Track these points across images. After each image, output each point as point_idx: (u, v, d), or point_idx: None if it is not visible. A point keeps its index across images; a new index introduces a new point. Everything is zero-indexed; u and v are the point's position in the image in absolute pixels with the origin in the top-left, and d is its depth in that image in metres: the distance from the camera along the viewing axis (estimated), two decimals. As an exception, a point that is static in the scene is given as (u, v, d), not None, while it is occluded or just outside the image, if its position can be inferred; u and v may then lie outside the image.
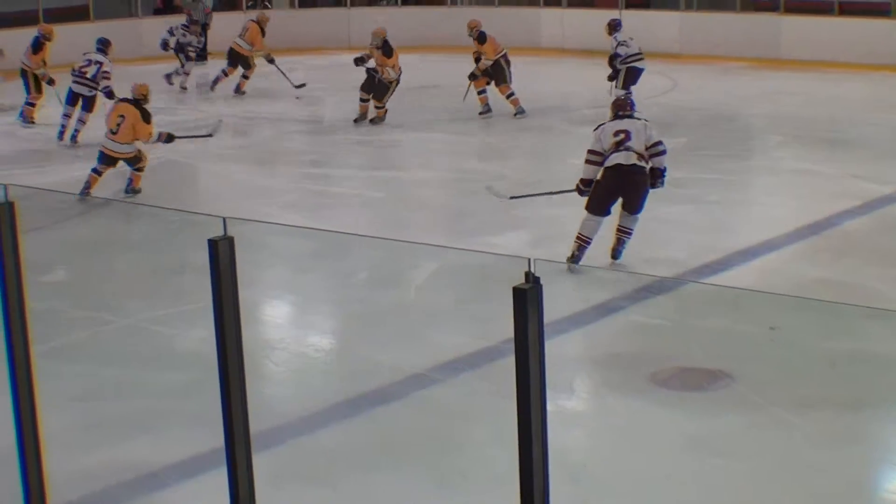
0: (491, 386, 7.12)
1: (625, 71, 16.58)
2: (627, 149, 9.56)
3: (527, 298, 3.66)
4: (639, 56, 16.73)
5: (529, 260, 3.72)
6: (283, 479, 6.16)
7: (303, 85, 19.18)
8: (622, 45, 16.70)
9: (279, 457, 6.50)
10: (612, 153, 9.59)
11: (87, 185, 12.37)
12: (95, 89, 15.31)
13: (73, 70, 15.53)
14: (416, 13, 24.37)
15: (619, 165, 9.56)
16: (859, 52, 20.64)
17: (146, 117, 12.44)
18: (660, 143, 9.71)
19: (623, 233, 9.77)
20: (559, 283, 8.38)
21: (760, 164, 14.27)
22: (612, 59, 16.82)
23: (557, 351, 7.73)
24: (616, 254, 9.77)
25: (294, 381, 7.95)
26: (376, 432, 6.94)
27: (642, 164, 9.64)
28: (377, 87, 16.31)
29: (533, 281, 3.69)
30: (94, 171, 12.45)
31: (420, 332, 8.51)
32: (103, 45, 15.77)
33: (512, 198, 11.26)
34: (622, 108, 9.99)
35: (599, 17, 23.69)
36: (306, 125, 17.55)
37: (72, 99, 15.42)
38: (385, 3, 27.11)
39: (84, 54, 15.70)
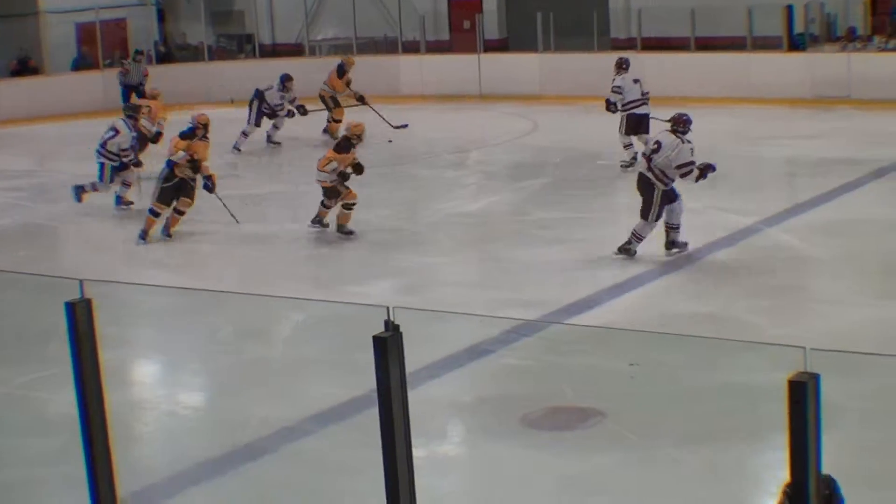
0: (362, 436, 7.05)
1: (625, 118, 15.97)
2: None
3: (387, 346, 3.64)
4: (639, 101, 15.95)
5: (388, 308, 3.70)
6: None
7: (404, 126, 18.99)
8: (615, 90, 15.95)
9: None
10: None
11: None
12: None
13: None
14: (276, 65, 24.28)
15: None
16: (719, 85, 21.06)
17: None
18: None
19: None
20: (428, 329, 8.35)
21: (626, 201, 14.40)
22: (608, 104, 16.05)
23: (428, 396, 7.74)
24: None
25: (164, 441, 7.83)
26: (249, 488, 6.85)
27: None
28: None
29: (392, 329, 3.67)
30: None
31: (288, 384, 8.43)
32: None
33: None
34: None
35: (457, 62, 23.92)
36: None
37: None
38: (243, 56, 27.07)
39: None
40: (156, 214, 12.92)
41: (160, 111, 16.69)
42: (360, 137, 12.80)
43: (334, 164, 12.61)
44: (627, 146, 15.89)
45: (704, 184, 14.48)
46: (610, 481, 6.59)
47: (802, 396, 3.71)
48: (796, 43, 23.21)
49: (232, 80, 23.62)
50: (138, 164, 14.76)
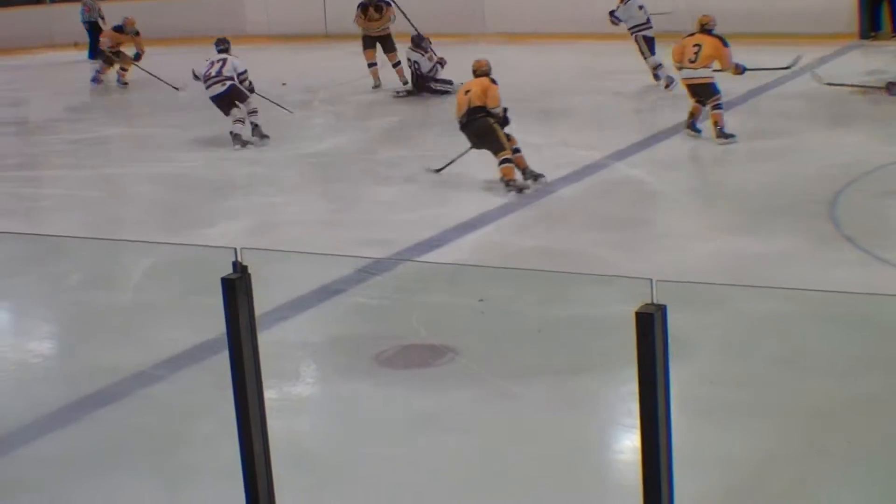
0: (214, 378, 7.00)
1: (641, 40, 16.52)
2: None
3: (235, 288, 3.61)
4: (646, 25, 16.52)
5: (236, 249, 3.67)
6: (7, 493, 5.93)
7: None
8: (614, 21, 16.74)
9: (2, 469, 6.27)
10: None
11: None
12: None
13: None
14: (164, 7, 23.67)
15: None
16: (563, 21, 21.15)
17: None
18: None
19: None
20: (277, 270, 8.30)
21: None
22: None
23: (280, 338, 7.71)
24: None
25: (13, 390, 7.67)
26: (101, 435, 6.76)
27: None
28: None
29: (240, 270, 3.64)
30: None
31: (138, 330, 8.32)
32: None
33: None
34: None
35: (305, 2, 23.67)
36: (11, 127, 16.98)
37: None
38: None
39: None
40: None
41: None
42: None
43: None
44: (658, 66, 16.23)
45: (550, 121, 14.67)
46: (463, 417, 6.64)
47: (650, 328, 3.77)
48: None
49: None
50: None
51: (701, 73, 13.09)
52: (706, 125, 13.09)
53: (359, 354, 7.47)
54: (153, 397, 7.19)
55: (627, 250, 9.50)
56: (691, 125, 13.22)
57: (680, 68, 13.37)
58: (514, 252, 9.54)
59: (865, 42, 20.04)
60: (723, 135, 12.89)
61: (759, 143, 13.13)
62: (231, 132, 13.75)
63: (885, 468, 5.81)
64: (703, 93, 13.06)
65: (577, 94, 16.58)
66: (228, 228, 10.75)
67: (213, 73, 13.97)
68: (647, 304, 3.76)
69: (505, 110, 11.72)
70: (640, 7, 16.63)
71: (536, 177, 11.50)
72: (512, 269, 8.53)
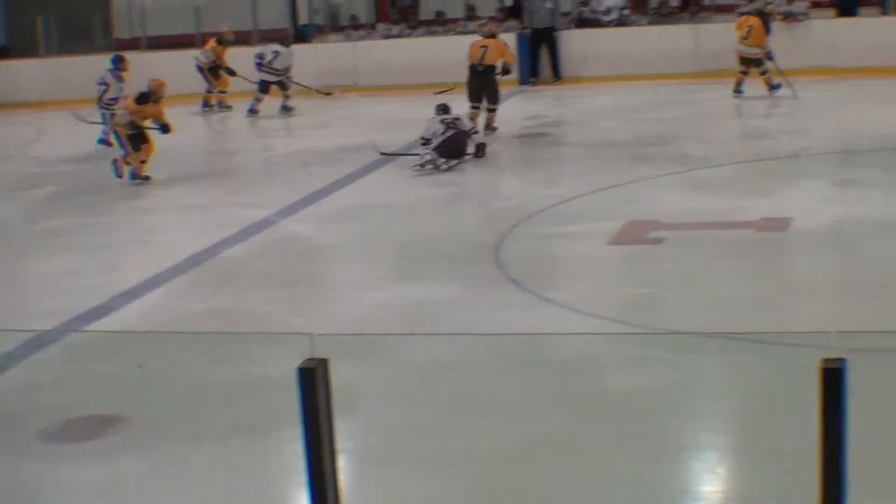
0: None
1: None
2: None
3: None
4: None
5: None
6: None
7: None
8: None
9: None
10: None
11: None
12: None
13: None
14: None
15: None
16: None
17: None
18: None
19: None
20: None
21: (145, 204, 14.17)
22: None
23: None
24: None
25: None
26: None
27: None
28: None
29: None
30: None
31: None
32: None
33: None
34: None
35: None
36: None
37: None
38: None
39: None
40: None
41: None
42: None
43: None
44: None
45: (215, 181, 14.58)
46: (138, 487, 6.43)
47: (312, 382, 3.74)
48: (302, 34, 23.65)
49: None
50: None
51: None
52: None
53: (23, 433, 7.13)
54: None
55: (296, 306, 9.45)
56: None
57: None
58: (183, 315, 9.36)
59: (526, 88, 20.80)
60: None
61: (426, 192, 13.38)
62: None
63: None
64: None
65: (241, 153, 16.54)
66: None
67: None
68: (308, 360, 3.73)
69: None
70: None
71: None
72: (178, 333, 8.35)
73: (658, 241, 10.76)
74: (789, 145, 15.15)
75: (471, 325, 8.54)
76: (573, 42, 21.87)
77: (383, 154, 14.45)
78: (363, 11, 25.58)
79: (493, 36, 17.12)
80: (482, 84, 16.62)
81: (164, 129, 14.73)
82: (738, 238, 10.76)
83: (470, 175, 14.05)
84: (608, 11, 22.38)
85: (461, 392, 7.25)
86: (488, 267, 10.15)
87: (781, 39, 20.84)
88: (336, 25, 25.02)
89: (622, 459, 6.17)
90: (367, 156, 15.46)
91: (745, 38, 18.61)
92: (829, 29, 21.12)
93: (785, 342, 7.36)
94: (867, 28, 20.90)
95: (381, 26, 24.38)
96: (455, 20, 24.02)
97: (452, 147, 14.26)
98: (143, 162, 14.65)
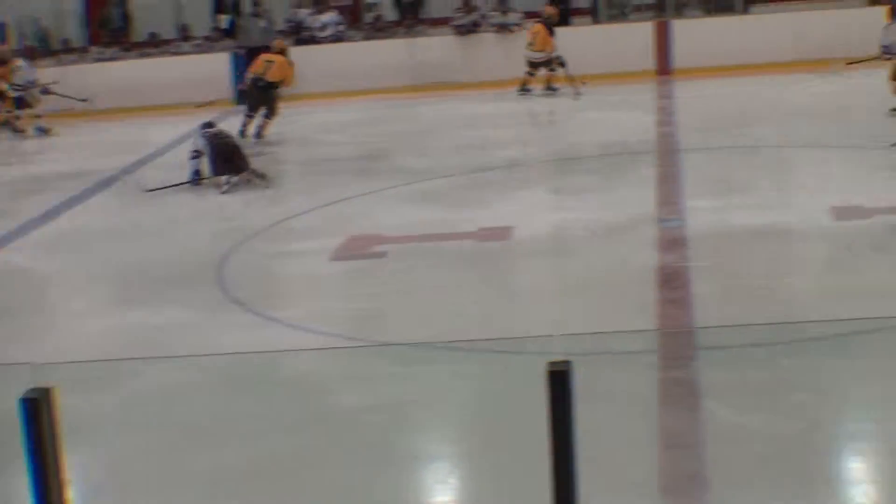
0: None
1: None
2: None
3: None
4: None
5: None
6: None
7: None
8: None
9: None
10: None
11: None
12: None
13: None
14: None
15: None
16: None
17: None
18: None
19: None
20: None
21: None
22: None
23: None
24: None
25: None
26: None
27: None
28: None
29: None
30: None
31: None
32: None
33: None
34: None
35: None
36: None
37: None
38: None
39: None
40: None
41: None
42: None
43: None
44: None
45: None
46: None
47: (35, 413, 3.63)
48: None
49: None
50: None
51: None
52: None
53: None
54: None
55: (18, 338, 9.15)
56: None
57: None
58: None
59: (243, 107, 20.63)
60: None
61: (144, 215, 13.14)
62: None
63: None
64: None
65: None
66: None
67: None
68: (31, 389, 3.62)
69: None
70: None
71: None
72: None
73: (381, 254, 10.85)
74: (508, 155, 15.48)
75: (197, 348, 8.44)
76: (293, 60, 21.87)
77: (150, 191, 13.92)
78: (74, 35, 24.95)
79: (282, 52, 17.77)
80: (261, 98, 17.37)
81: None
82: (461, 249, 10.94)
83: (192, 195, 13.86)
84: (324, 27, 22.44)
85: (191, 415, 7.17)
86: (211, 289, 10.06)
87: (497, 51, 21.36)
88: (48, 49, 24.34)
89: (354, 474, 6.18)
90: (82, 181, 15.10)
91: (531, 44, 19.75)
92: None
93: (511, 349, 7.51)
94: (580, 37, 21.57)
95: (94, 49, 23.85)
96: (168, 41, 23.68)
97: (225, 161, 14.04)
98: None
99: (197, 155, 14.18)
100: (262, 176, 14.30)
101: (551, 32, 20.02)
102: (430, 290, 9.85)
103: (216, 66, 21.50)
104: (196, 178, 14.09)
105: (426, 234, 11.42)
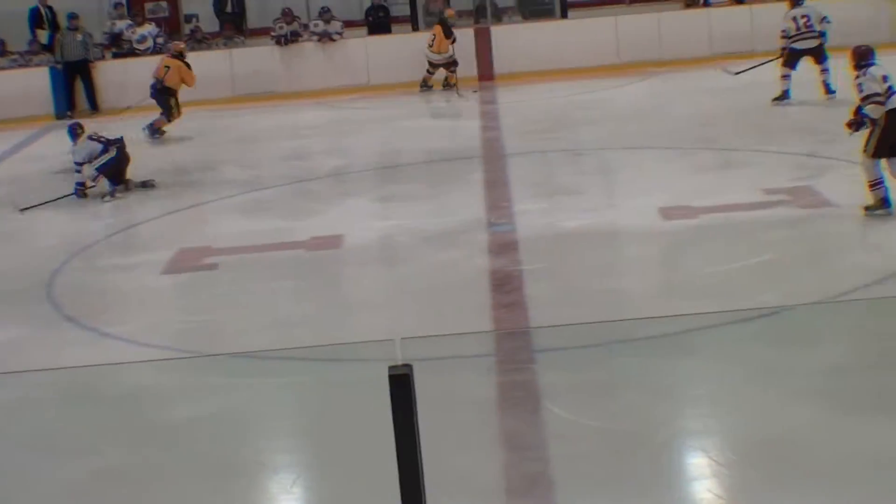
0: None
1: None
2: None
3: None
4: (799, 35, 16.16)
5: None
6: None
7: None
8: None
9: None
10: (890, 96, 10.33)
11: None
12: None
13: None
14: None
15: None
16: None
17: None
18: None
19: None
20: None
21: None
22: None
23: None
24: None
25: None
26: None
27: None
28: None
29: None
30: None
31: None
32: None
33: None
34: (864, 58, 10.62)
35: None
36: None
37: None
38: None
39: None
40: None
41: None
42: None
43: None
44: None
45: None
46: None
47: None
48: None
49: None
50: None
51: None
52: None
53: None
54: None
55: None
56: None
57: None
58: None
59: (63, 121, 20.14)
60: None
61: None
62: None
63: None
64: None
65: None
66: None
67: None
68: None
69: None
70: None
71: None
72: None
73: (212, 266, 10.72)
74: (334, 164, 15.40)
75: (32, 366, 8.22)
76: (110, 73, 21.45)
77: (24, 210, 13.39)
78: None
79: (179, 55, 18.32)
80: (160, 101, 17.96)
81: None
82: (292, 258, 10.86)
83: (17, 211, 13.45)
84: (142, 40, 22.04)
85: (29, 432, 7.01)
86: (43, 306, 9.84)
87: (319, 60, 21.25)
88: None
89: (191, 486, 6.08)
90: None
91: (430, 46, 20.25)
92: (362, 47, 21.68)
93: (349, 356, 7.46)
94: (397, 45, 21.60)
95: None
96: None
97: (117, 169, 13.65)
98: None
99: (80, 167, 13.71)
100: (148, 184, 14.18)
101: (448, 34, 20.06)
102: (263, 301, 9.74)
103: (35, 82, 20.99)
104: (79, 189, 13.65)
105: (257, 244, 11.30)
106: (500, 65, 21.32)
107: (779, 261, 9.72)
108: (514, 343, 8.28)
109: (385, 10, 23.31)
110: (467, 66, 20.92)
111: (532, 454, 6.30)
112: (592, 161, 14.40)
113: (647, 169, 13.60)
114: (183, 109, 18.07)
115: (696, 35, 20.75)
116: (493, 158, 14.76)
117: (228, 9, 24.35)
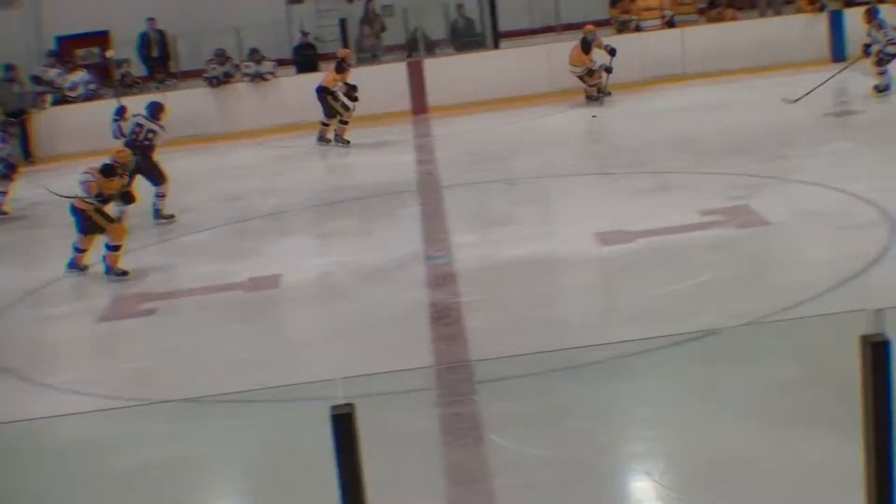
0: None
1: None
2: None
3: None
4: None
5: None
6: None
7: None
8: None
9: None
10: None
11: None
12: None
13: None
14: None
15: None
16: None
17: None
18: None
19: None
20: None
21: None
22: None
23: None
24: None
25: None
26: None
27: None
28: None
29: None
30: None
31: None
32: None
33: None
34: None
35: None
36: None
37: None
38: None
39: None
40: None
41: None
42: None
43: None
44: None
45: None
46: None
47: None
48: None
49: None
50: None
51: None
52: None
53: None
54: None
55: None
56: None
57: None
58: None
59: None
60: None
61: None
62: None
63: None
64: None
65: None
66: None
67: None
68: None
69: None
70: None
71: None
72: None
73: (150, 312, 10.62)
74: (269, 203, 15.34)
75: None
76: (44, 121, 21.31)
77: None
78: None
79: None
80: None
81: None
82: (231, 300, 10.79)
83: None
84: (75, 87, 21.92)
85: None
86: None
87: (251, 100, 21.21)
88: None
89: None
90: None
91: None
92: (294, 86, 21.63)
93: (290, 397, 7.40)
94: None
95: None
96: None
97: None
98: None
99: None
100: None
101: (340, 69, 19.78)
102: (203, 345, 9.67)
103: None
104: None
105: (194, 287, 11.22)
106: (433, 97, 21.39)
107: (716, 281, 9.77)
108: (455, 375, 8.26)
109: (313, 47, 23.30)
110: (400, 100, 20.94)
111: (477, 486, 6.27)
112: (528, 190, 14.44)
113: (583, 195, 13.66)
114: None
115: (628, 60, 20.85)
116: (429, 191, 14.76)
117: (155, 53, 24.20)
